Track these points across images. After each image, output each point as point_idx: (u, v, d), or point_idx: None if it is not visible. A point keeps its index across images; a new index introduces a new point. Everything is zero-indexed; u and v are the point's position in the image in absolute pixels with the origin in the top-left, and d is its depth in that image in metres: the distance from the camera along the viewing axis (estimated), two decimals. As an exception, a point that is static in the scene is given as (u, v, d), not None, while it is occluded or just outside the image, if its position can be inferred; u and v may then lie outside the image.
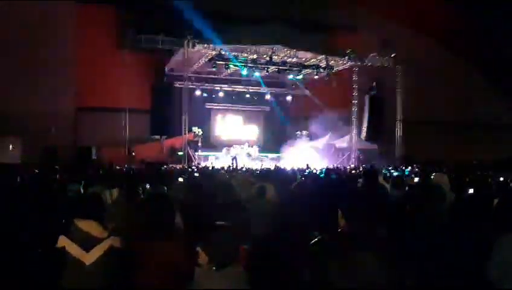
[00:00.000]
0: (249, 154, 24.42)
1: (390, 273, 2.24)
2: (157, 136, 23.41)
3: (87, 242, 3.38)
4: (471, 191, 6.54)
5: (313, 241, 2.40)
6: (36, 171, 11.57)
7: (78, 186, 6.12)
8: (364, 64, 23.13)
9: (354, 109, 24.00)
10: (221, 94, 25.76)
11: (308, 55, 22.05)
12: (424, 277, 2.90)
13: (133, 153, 21.09)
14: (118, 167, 16.26)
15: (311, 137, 25.65)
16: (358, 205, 2.37)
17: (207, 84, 25.17)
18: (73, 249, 3.37)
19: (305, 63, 22.89)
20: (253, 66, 22.03)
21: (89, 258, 3.35)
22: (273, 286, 2.33)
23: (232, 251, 2.32)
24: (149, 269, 3.13)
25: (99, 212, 3.60)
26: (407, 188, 5.88)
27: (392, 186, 6.21)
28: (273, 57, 21.42)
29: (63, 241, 3.45)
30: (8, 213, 4.46)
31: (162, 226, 3.27)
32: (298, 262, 2.54)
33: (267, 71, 22.66)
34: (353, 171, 13.19)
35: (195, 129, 23.71)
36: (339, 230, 2.37)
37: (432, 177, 6.94)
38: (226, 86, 25.58)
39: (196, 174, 10.96)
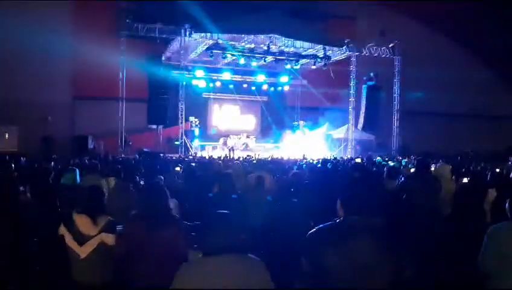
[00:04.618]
0: (246, 144, 24.42)
1: (388, 263, 2.24)
2: (154, 126, 23.32)
3: (79, 236, 3.46)
4: (465, 180, 6.61)
5: (311, 230, 2.39)
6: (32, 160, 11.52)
7: (74, 174, 6.08)
8: (363, 54, 23.02)
9: (352, 99, 23.96)
10: (218, 84, 25.63)
11: (306, 44, 21.93)
12: (422, 267, 2.90)
13: (130, 143, 21.02)
14: (114, 157, 16.21)
15: (308, 127, 25.63)
16: (356, 194, 2.36)
17: (204, 74, 25.01)
18: (69, 240, 3.47)
19: (303, 53, 22.78)
20: (250, 56, 21.89)
21: (83, 251, 3.44)
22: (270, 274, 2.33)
23: (230, 240, 2.30)
24: (147, 258, 3.12)
25: (99, 205, 3.65)
26: (403, 178, 5.89)
27: (389, 176, 6.23)
28: (271, 46, 21.29)
29: (62, 229, 3.53)
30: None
31: (159, 215, 3.26)
32: (295, 251, 2.54)
33: (265, 61, 22.56)
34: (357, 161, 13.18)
35: (192, 119, 23.64)
36: (337, 220, 2.36)
37: (436, 167, 6.98)
38: (223, 75, 25.44)
39: (193, 164, 10.95)
